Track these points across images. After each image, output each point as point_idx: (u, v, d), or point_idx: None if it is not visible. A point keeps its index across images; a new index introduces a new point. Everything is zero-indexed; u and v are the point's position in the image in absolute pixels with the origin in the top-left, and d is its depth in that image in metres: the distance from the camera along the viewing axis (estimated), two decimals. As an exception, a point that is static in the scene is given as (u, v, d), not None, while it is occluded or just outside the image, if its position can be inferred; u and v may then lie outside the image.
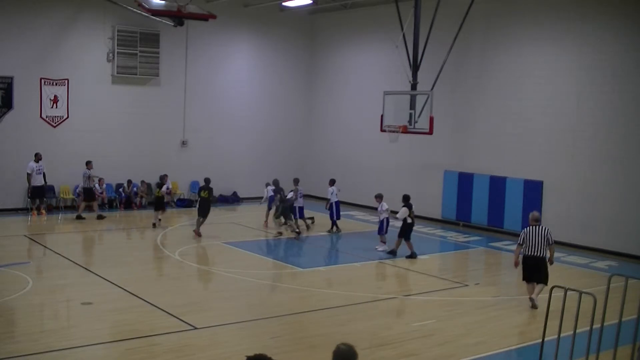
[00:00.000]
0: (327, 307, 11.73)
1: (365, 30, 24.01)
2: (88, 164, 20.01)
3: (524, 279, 12.29)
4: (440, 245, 18.59)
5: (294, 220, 18.53)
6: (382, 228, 16.82)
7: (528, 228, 12.13)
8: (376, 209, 17.40)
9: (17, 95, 20.48)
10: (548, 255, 12.17)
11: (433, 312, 11.75)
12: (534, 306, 11.97)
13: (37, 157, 19.86)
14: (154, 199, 19.74)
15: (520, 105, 19.25)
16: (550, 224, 18.20)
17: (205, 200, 17.99)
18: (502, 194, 19.45)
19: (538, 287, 12.03)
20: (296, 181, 19.43)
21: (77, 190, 21.15)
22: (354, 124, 24.41)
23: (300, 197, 19.20)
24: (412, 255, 15.97)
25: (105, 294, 12.07)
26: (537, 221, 12.19)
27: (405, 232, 16.13)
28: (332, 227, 19.35)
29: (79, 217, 19.86)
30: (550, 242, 12.02)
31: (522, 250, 12.13)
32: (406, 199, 16.15)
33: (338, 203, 19.25)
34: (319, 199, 20.23)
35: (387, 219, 16.84)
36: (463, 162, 20.82)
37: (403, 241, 16.26)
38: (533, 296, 12.00)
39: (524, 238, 12.07)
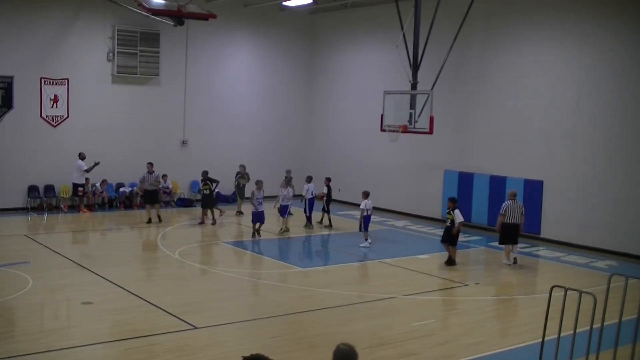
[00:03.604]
0: (327, 307, 11.74)
1: (365, 30, 24.00)
2: (149, 165, 19.87)
3: (501, 242, 15.68)
4: (440, 245, 18.55)
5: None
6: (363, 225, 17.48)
7: (508, 202, 15.57)
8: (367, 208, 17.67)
9: (17, 95, 20.47)
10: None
11: (433, 312, 11.75)
12: (515, 262, 15.38)
13: (82, 156, 20.36)
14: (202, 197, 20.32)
15: (520, 105, 19.25)
16: (550, 224, 18.47)
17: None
18: (502, 193, 19.38)
19: (515, 247, 15.56)
20: (259, 184, 18.19)
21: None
22: (354, 124, 24.39)
23: (259, 204, 17.86)
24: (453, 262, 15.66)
25: (105, 293, 12.07)
26: (515, 196, 15.65)
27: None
28: (308, 222, 19.85)
29: (159, 218, 19.81)
30: (522, 213, 15.53)
31: (503, 219, 15.36)
32: (453, 201, 15.69)
33: (312, 200, 19.80)
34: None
35: (368, 216, 17.46)
36: (463, 161, 20.81)
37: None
38: (515, 256, 15.44)
39: (505, 209, 15.46)
